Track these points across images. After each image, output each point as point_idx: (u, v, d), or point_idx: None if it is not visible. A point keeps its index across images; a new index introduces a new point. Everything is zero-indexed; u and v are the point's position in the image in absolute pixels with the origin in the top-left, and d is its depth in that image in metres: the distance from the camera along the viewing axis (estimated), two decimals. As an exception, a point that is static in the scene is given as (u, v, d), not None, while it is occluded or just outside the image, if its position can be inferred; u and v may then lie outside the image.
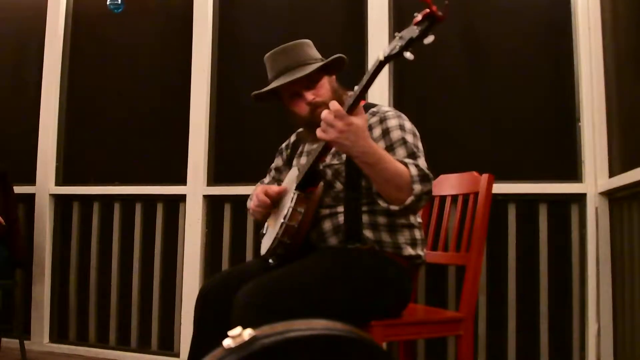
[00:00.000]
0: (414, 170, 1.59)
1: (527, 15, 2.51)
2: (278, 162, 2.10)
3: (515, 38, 2.52)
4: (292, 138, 2.09)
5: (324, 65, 1.81)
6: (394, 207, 1.63)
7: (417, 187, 1.58)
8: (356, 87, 1.52)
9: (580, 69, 2.39)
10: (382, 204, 1.66)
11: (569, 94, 2.42)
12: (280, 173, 2.08)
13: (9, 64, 3.47)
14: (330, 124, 1.47)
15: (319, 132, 1.51)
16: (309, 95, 1.80)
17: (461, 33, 2.59)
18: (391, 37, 2.65)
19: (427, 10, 1.33)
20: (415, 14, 1.36)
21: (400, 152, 1.71)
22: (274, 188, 1.83)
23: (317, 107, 1.77)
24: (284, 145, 2.11)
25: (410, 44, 1.38)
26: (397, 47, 1.39)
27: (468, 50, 2.58)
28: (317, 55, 1.88)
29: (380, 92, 2.58)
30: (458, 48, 2.59)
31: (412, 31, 1.37)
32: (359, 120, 1.49)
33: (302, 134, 2.00)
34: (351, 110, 1.49)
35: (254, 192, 1.89)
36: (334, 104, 1.48)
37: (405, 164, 1.60)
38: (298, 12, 2.91)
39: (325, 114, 1.48)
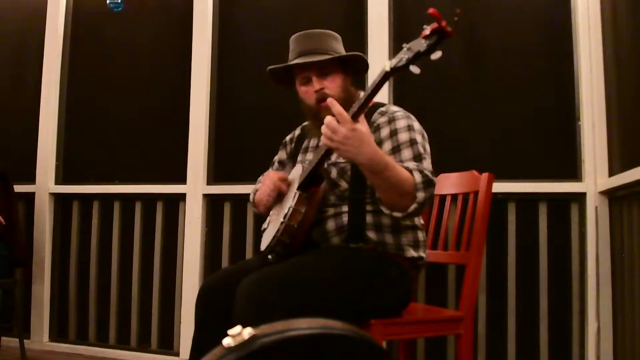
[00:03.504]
0: (418, 177, 1.58)
1: (527, 14, 2.51)
2: (282, 155, 2.08)
3: (515, 37, 2.52)
4: (297, 131, 2.07)
5: (341, 59, 1.80)
6: (396, 214, 1.62)
7: (421, 195, 1.57)
8: (361, 95, 1.50)
9: (580, 68, 2.39)
10: (385, 210, 1.64)
11: (569, 93, 2.42)
12: (283, 167, 2.07)
13: (9, 63, 3.47)
14: (334, 129, 1.43)
15: (322, 139, 1.47)
16: (317, 84, 1.79)
17: (461, 32, 2.58)
18: (391, 37, 2.66)
19: (436, 24, 1.30)
20: (425, 27, 1.33)
21: (406, 153, 1.70)
22: (284, 178, 1.83)
23: (323, 98, 1.76)
24: (288, 138, 2.09)
25: (417, 58, 1.36)
26: (404, 59, 1.38)
27: (468, 50, 2.58)
28: (342, 50, 1.85)
29: (380, 90, 2.57)
30: (458, 47, 2.59)
31: (419, 44, 1.34)
32: (362, 126, 1.47)
33: (308, 127, 1.98)
34: (355, 117, 1.46)
35: (266, 178, 1.87)
36: (337, 108, 1.43)
37: (410, 171, 1.59)
38: (298, 11, 2.90)
39: (328, 119, 1.44)
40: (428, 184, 1.59)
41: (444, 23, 1.30)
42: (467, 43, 2.58)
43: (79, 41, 3.32)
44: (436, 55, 1.33)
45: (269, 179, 1.85)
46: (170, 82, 3.11)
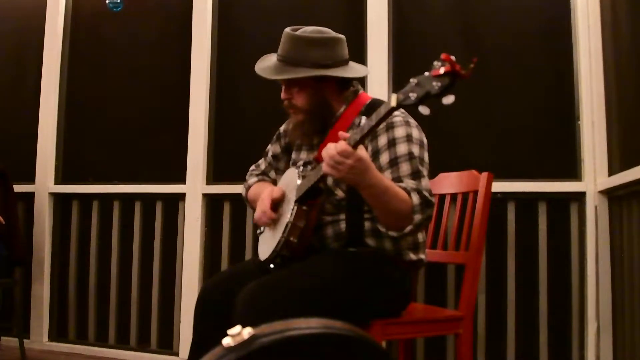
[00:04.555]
0: (415, 199, 1.58)
1: (526, 14, 2.51)
2: (276, 148, 2.05)
3: (515, 36, 2.51)
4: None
5: (309, 76, 1.74)
6: (392, 234, 1.65)
7: (418, 217, 1.59)
8: (364, 121, 1.49)
9: (580, 68, 2.38)
10: (381, 229, 1.67)
11: (569, 92, 2.42)
12: (278, 161, 2.04)
13: (9, 63, 3.46)
14: (339, 162, 1.43)
15: (327, 169, 1.47)
16: (284, 93, 1.81)
17: (461, 31, 2.58)
18: (390, 36, 2.65)
19: (449, 67, 1.22)
20: (436, 63, 1.24)
21: (405, 168, 1.66)
22: (277, 193, 1.79)
23: (289, 106, 1.81)
24: (282, 129, 2.04)
25: (426, 99, 1.26)
26: (413, 98, 1.28)
27: (468, 49, 2.58)
28: (324, 57, 1.74)
29: (379, 87, 2.58)
30: (458, 46, 2.58)
31: (430, 84, 1.25)
32: (363, 152, 1.46)
33: (289, 129, 1.95)
34: (357, 146, 1.44)
35: (262, 195, 1.83)
36: (341, 145, 1.43)
37: (408, 192, 1.58)
38: (298, 11, 2.90)
39: (332, 153, 1.43)
40: (426, 205, 1.60)
41: (458, 67, 1.22)
42: (467, 42, 2.57)
43: (79, 41, 3.32)
44: (448, 99, 1.23)
45: (261, 199, 1.81)
46: (170, 81, 3.11)
